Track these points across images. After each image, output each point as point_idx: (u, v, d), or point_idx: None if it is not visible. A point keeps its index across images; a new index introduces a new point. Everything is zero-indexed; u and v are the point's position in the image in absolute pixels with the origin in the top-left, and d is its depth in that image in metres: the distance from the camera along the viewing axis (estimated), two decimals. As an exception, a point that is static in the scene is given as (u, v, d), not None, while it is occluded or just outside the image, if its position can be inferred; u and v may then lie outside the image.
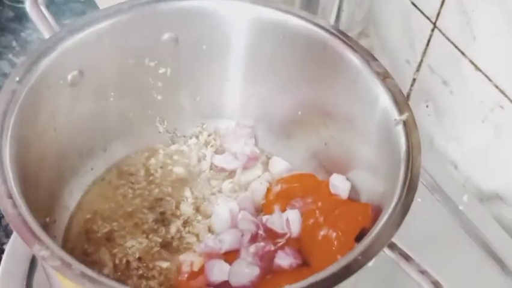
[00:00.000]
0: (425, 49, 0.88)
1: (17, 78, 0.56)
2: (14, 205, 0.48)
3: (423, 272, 0.48)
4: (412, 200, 0.51)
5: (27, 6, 0.63)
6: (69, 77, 0.62)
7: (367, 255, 0.47)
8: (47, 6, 0.63)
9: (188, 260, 0.63)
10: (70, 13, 1.01)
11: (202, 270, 0.62)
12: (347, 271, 0.47)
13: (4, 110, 0.54)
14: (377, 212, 0.57)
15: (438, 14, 0.83)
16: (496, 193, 0.82)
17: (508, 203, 0.80)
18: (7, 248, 0.69)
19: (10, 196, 0.49)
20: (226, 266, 0.62)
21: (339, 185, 0.66)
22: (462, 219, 0.79)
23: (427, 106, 0.91)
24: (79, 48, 0.62)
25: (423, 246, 0.72)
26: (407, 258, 0.49)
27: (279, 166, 0.73)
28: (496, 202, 0.82)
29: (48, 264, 0.45)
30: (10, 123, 0.54)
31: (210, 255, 0.63)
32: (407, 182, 0.52)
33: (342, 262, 0.47)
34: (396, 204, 0.51)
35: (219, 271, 0.61)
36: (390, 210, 0.50)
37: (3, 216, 0.72)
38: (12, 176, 0.51)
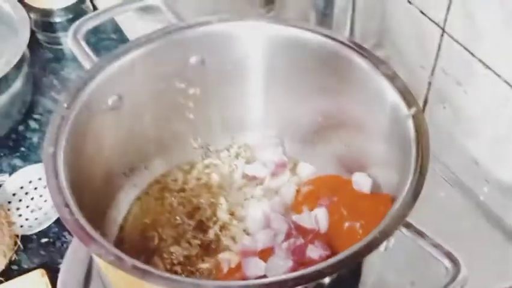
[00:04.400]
0: (437, 53, 0.92)
1: (65, 105, 0.64)
2: (71, 212, 0.55)
3: (436, 246, 0.53)
4: (424, 181, 0.56)
5: (69, 41, 0.70)
6: (109, 102, 0.69)
7: (384, 233, 0.53)
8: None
9: (226, 259, 0.69)
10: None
11: (239, 267, 0.68)
12: (368, 248, 0.52)
13: (56, 134, 0.61)
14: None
15: (445, 20, 0.88)
16: (518, 184, 0.86)
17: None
18: (62, 266, 0.76)
19: (67, 205, 0.55)
20: (261, 263, 0.67)
21: (362, 182, 0.72)
22: (483, 209, 0.83)
23: (444, 107, 0.95)
24: (116, 75, 0.68)
25: (447, 236, 0.77)
26: (421, 235, 0.54)
27: (306, 170, 0.79)
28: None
29: (103, 259, 0.52)
30: (62, 146, 0.61)
31: (246, 254, 0.69)
32: (418, 165, 0.57)
33: (363, 242, 0.53)
34: (410, 186, 0.56)
35: (254, 267, 0.67)
36: (404, 192, 0.55)
37: (58, 239, 0.79)
38: (68, 191, 0.58)
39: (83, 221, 0.54)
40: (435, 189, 0.85)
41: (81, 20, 0.72)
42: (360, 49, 0.69)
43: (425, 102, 0.99)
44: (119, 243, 0.73)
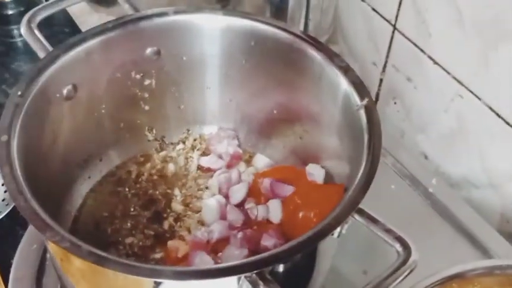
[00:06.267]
0: (388, 50, 0.95)
1: (19, 93, 0.63)
2: (26, 200, 0.54)
3: (388, 231, 0.55)
4: (376, 169, 0.57)
5: (23, 30, 0.70)
6: (64, 91, 0.68)
7: (338, 219, 0.54)
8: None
9: (175, 246, 0.69)
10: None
11: (186, 257, 0.68)
12: (321, 234, 0.53)
13: (10, 122, 0.61)
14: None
15: (396, 17, 0.90)
16: (465, 178, 0.88)
17: (476, 186, 0.87)
18: (14, 260, 0.75)
19: (21, 192, 0.55)
20: (207, 258, 0.67)
21: (315, 173, 0.73)
22: (432, 201, 0.85)
23: (395, 103, 0.98)
24: (71, 64, 0.68)
25: (398, 225, 0.79)
26: (374, 220, 0.55)
27: (262, 162, 0.80)
28: (465, 186, 0.89)
29: (60, 246, 0.51)
30: (16, 134, 0.60)
31: (195, 246, 0.69)
32: (370, 154, 0.59)
33: (317, 227, 0.54)
34: (362, 174, 0.57)
35: (200, 261, 0.67)
36: (357, 180, 0.57)
37: (9, 233, 0.78)
38: (22, 179, 0.57)
39: (38, 208, 0.54)
40: (387, 182, 0.87)
41: (35, 9, 0.72)
42: (314, 42, 0.70)
43: (377, 98, 1.01)
44: (73, 235, 0.72)
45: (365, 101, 0.64)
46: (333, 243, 0.62)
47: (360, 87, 0.66)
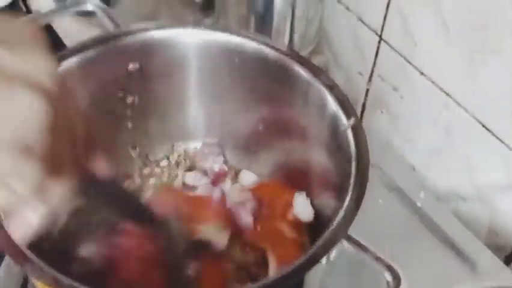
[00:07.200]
0: (375, 60, 0.94)
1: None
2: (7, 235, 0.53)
3: (377, 259, 0.53)
4: (363, 194, 0.56)
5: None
6: (45, 110, 0.67)
7: (325, 248, 0.53)
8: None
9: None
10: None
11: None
12: (309, 263, 0.52)
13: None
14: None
15: (382, 27, 0.89)
16: (452, 190, 0.88)
17: (464, 198, 0.86)
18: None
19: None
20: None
21: (300, 210, 0.72)
22: (420, 215, 0.84)
23: (382, 112, 0.97)
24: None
25: (386, 242, 0.78)
26: (362, 247, 0.54)
27: (248, 178, 0.79)
28: (453, 198, 0.88)
29: (40, 281, 0.50)
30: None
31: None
32: (358, 178, 0.57)
33: (304, 256, 0.52)
34: (350, 199, 0.56)
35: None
36: (344, 206, 0.56)
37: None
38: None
39: (15, 240, 0.52)
40: (373, 194, 0.86)
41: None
42: (299, 58, 0.69)
43: (363, 108, 1.00)
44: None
45: (351, 121, 0.62)
46: (320, 266, 0.60)
47: (346, 105, 0.64)
